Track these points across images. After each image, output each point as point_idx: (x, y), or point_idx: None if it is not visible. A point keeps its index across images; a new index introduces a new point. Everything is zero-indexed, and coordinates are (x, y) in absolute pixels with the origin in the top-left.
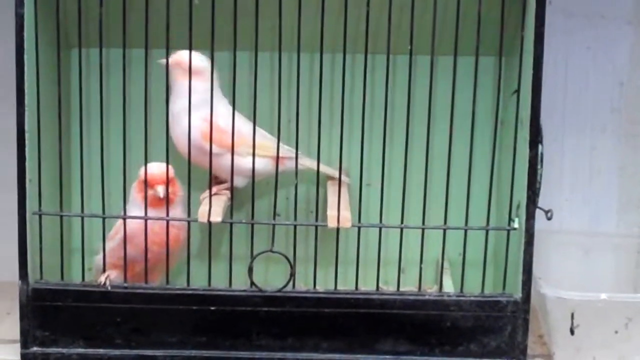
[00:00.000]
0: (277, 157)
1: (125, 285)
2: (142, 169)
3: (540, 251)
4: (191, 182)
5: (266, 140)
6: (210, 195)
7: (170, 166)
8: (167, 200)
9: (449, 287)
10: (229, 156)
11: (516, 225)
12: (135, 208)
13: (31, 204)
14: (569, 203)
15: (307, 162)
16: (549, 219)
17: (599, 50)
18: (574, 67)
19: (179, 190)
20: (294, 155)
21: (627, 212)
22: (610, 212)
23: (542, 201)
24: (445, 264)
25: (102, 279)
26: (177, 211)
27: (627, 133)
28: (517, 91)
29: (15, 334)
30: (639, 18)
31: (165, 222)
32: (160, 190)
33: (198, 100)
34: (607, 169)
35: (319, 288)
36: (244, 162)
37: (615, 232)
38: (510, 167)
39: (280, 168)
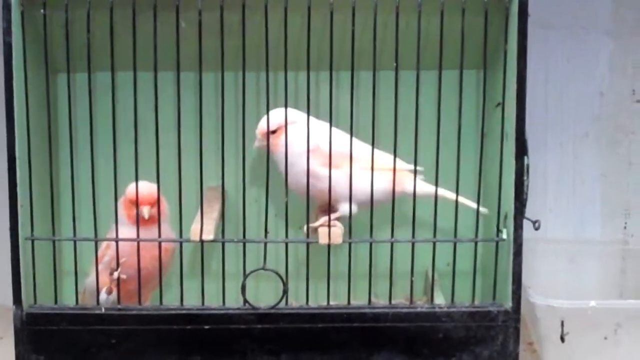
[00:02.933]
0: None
1: (119, 307)
2: (130, 187)
3: (526, 260)
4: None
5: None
6: (202, 212)
7: (155, 185)
8: (158, 220)
9: (440, 298)
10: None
11: (504, 236)
12: (123, 226)
13: (23, 230)
14: (554, 212)
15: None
16: (537, 229)
17: (579, 60)
18: (554, 77)
19: (165, 209)
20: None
21: (611, 219)
22: (595, 220)
23: (527, 211)
24: (435, 276)
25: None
26: (164, 229)
27: (609, 140)
28: (502, 104)
29: (10, 358)
30: (617, 28)
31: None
32: (145, 211)
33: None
34: (590, 176)
35: (312, 304)
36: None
37: (600, 239)
38: (495, 178)
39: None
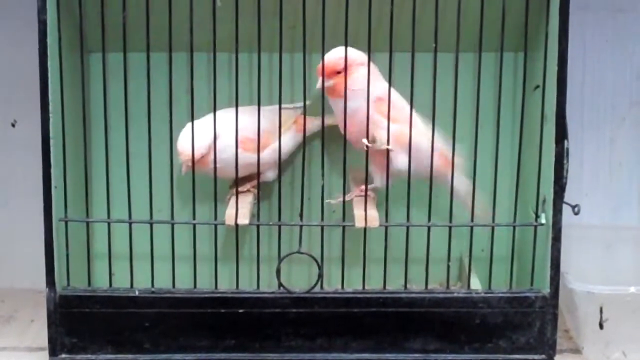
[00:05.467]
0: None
1: (153, 289)
2: None
3: (562, 246)
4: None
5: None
6: (237, 195)
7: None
8: None
9: (476, 284)
10: None
11: (543, 220)
12: None
13: (57, 211)
14: (589, 197)
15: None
16: (576, 213)
17: (617, 43)
18: (592, 61)
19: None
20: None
21: None
22: (631, 205)
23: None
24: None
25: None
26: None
27: None
28: (541, 87)
29: (42, 341)
30: None
31: None
32: None
33: None
34: (627, 161)
35: (347, 288)
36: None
37: (636, 225)
38: (533, 162)
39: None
